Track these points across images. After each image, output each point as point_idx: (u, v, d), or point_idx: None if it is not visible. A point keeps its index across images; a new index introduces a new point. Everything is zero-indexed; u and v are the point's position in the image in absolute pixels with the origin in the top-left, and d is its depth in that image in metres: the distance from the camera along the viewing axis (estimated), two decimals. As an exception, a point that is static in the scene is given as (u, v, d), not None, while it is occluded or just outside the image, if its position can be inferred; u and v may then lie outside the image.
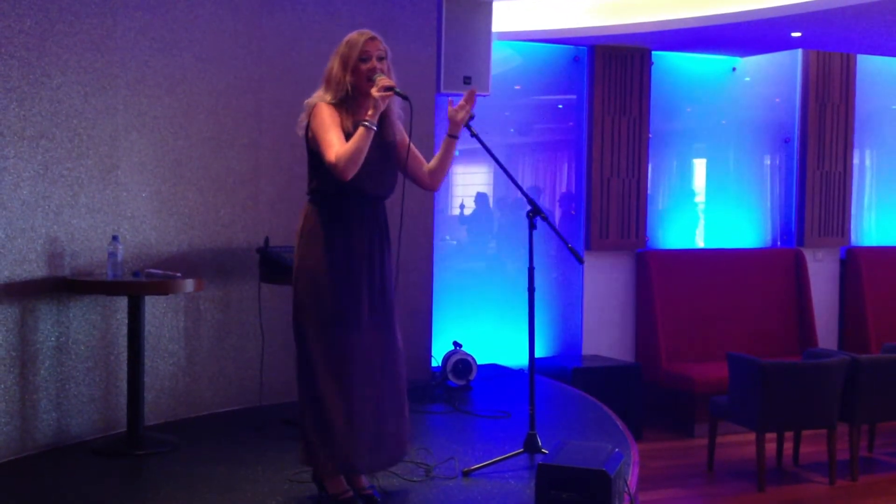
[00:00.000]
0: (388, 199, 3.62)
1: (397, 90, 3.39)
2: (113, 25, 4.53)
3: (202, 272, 4.81)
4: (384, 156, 3.53)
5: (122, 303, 4.49)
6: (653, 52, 6.94)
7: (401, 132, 3.60)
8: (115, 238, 4.34)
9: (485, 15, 6.06)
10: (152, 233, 4.74)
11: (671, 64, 7.09)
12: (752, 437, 5.41)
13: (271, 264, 4.70)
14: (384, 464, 3.64)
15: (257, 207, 5.14)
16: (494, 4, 6.11)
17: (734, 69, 7.26)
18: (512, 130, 6.72)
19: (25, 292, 4.19)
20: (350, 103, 3.46)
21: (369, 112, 3.34)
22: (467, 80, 6.03)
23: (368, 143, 3.33)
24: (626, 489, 3.61)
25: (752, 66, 7.31)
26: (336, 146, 3.34)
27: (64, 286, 4.30)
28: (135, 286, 4.28)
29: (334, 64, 3.48)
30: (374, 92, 3.34)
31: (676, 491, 5.30)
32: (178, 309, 4.86)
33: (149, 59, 4.69)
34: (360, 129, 3.32)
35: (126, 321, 4.41)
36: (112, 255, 4.30)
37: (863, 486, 5.41)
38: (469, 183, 6.70)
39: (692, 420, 6.39)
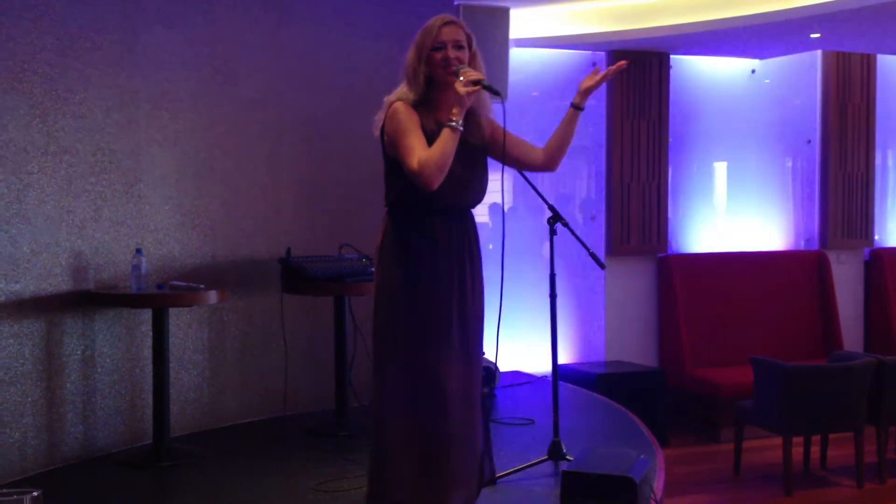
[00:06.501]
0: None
1: (486, 83, 2.98)
2: (133, 41, 4.57)
3: (225, 283, 4.82)
4: (471, 160, 3.14)
5: (147, 315, 4.52)
6: (671, 56, 6.93)
7: (490, 126, 3.24)
8: (138, 251, 4.37)
9: (502, 22, 6.05)
10: (175, 245, 4.77)
11: (690, 67, 7.07)
12: (778, 441, 5.38)
13: (293, 274, 4.73)
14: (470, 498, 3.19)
15: (279, 218, 5.16)
16: (512, 11, 6.11)
17: (753, 71, 7.24)
18: (530, 137, 6.69)
19: (51, 306, 4.23)
20: (430, 99, 3.06)
21: (454, 110, 2.91)
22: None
23: (455, 145, 2.92)
24: (653, 495, 3.60)
25: (772, 68, 7.28)
26: (419, 151, 2.91)
27: (89, 300, 4.34)
28: (159, 298, 4.31)
29: (411, 53, 3.06)
30: (459, 87, 2.91)
31: (703, 496, 5.26)
32: (202, 320, 4.89)
33: (169, 73, 4.72)
34: (445, 131, 2.90)
35: (150, 333, 4.44)
36: (136, 267, 4.33)
37: (892, 489, 5.36)
38: (489, 189, 6.66)
39: (718, 425, 6.35)
